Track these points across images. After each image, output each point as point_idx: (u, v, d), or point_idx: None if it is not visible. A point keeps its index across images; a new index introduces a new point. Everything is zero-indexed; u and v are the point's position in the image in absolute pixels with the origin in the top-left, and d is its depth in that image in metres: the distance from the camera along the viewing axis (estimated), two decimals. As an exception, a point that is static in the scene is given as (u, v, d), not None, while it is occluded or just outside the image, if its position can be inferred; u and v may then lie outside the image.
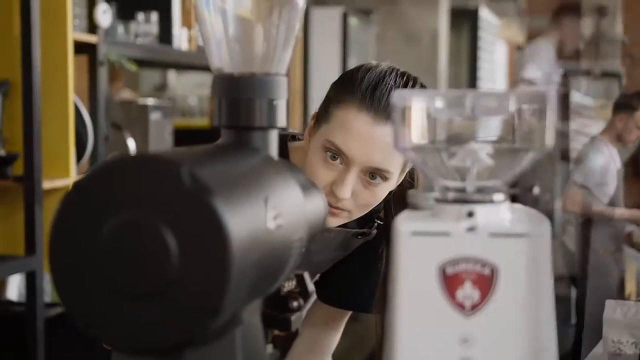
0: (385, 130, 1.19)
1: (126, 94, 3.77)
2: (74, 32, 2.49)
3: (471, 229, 0.66)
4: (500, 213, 0.67)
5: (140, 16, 2.97)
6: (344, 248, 1.39)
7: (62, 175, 2.43)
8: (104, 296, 0.60)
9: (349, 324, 1.53)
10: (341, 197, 1.21)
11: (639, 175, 4.53)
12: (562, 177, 5.56)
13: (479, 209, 0.66)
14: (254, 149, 0.75)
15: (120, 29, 2.88)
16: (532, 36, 9.66)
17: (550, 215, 5.25)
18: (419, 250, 0.66)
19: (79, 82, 2.59)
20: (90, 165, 2.61)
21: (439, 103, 0.68)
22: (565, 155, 4.59)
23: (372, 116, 1.19)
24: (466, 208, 0.67)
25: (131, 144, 2.85)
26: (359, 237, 1.37)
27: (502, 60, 8.67)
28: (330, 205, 1.22)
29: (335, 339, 1.50)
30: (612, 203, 4.03)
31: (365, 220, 1.35)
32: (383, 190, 1.25)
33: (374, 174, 1.22)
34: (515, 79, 4.36)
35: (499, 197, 0.68)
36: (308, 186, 0.81)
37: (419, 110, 0.68)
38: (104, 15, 2.57)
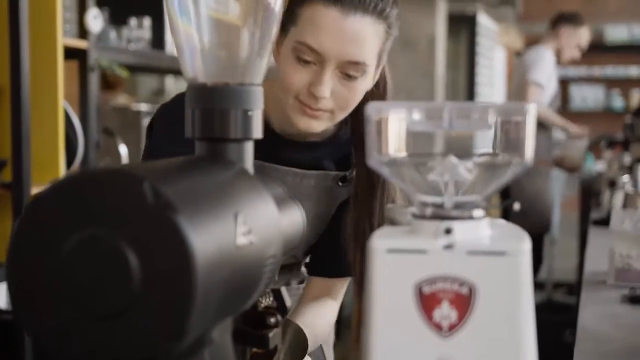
0: (355, 21, 1.17)
1: (123, 99, 3.74)
2: (65, 38, 2.46)
3: (449, 247, 0.63)
4: (479, 229, 0.65)
5: (133, 21, 2.95)
6: (327, 202, 1.36)
7: (52, 181, 2.41)
8: (64, 315, 0.57)
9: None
10: (320, 96, 1.19)
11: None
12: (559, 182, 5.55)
13: (457, 226, 0.64)
14: (228, 162, 0.72)
15: (113, 34, 2.85)
16: (530, 42, 9.66)
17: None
18: (394, 269, 0.64)
19: (69, 88, 2.56)
20: (80, 171, 2.58)
21: (416, 115, 0.66)
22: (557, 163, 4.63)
23: (340, 9, 1.17)
24: (444, 224, 0.64)
25: (123, 150, 2.83)
26: (340, 183, 1.34)
27: (500, 65, 8.66)
28: (310, 107, 1.21)
29: (335, 309, 1.44)
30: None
31: (343, 165, 1.34)
32: (361, 85, 1.23)
33: (350, 70, 1.20)
34: (518, 81, 4.35)
35: (478, 212, 0.66)
36: (284, 199, 0.79)
37: (395, 122, 0.66)
38: (95, 20, 2.55)
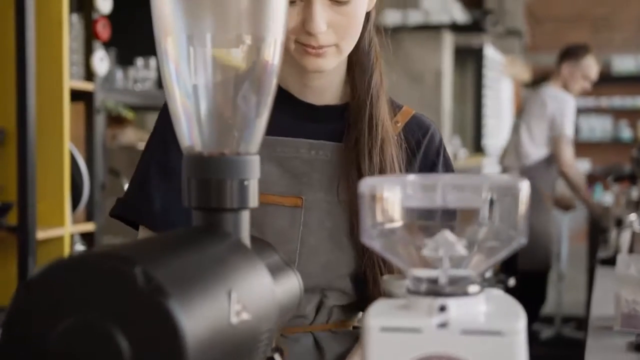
0: None
1: (130, 135, 3.75)
2: (71, 80, 2.48)
3: (443, 325, 0.63)
4: (474, 306, 0.65)
5: (140, 62, 2.97)
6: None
7: (57, 224, 2.41)
8: (56, 400, 0.57)
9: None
10: (316, 32, 1.12)
11: None
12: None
13: (451, 303, 0.64)
14: (224, 233, 0.72)
15: (119, 74, 2.87)
16: (537, 73, 9.70)
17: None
18: (389, 347, 0.63)
19: (76, 129, 2.58)
20: (86, 213, 2.59)
21: (409, 191, 0.65)
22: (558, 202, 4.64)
23: None
24: (438, 302, 0.64)
25: (129, 190, 2.82)
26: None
27: (507, 97, 8.67)
28: (313, 47, 1.15)
29: None
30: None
31: None
32: (358, 8, 1.16)
33: None
34: (548, 133, 4.25)
35: (473, 288, 0.65)
36: (280, 267, 0.79)
37: (388, 198, 0.65)
38: (101, 62, 2.57)
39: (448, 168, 1.30)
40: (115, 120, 3.54)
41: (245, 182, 0.74)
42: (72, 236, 2.56)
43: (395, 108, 1.29)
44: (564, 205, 4.72)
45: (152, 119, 5.15)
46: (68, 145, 2.43)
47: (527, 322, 0.64)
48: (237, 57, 0.76)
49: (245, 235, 0.74)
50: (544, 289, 4.41)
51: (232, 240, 0.72)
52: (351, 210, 1.20)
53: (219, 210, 0.73)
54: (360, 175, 1.19)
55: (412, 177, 0.67)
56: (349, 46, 1.18)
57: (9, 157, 2.34)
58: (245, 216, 0.75)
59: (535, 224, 4.03)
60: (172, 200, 1.19)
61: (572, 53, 4.38)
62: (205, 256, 0.66)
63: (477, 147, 7.05)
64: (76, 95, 2.53)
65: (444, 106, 5.47)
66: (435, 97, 5.42)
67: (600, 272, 2.72)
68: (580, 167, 9.98)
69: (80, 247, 2.76)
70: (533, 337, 5.03)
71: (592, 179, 9.86)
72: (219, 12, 0.74)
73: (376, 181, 0.66)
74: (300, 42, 1.15)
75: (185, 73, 0.74)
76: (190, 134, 0.75)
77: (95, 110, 2.57)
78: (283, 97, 1.25)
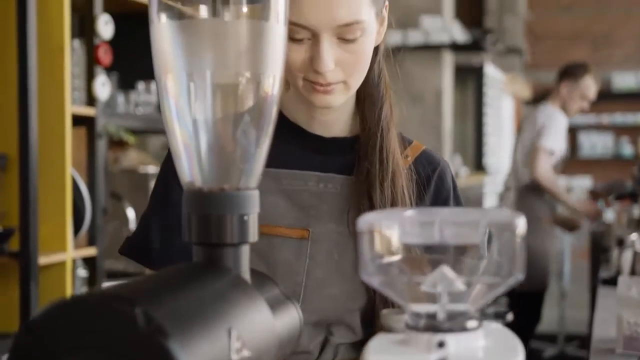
0: None
1: (133, 157, 3.77)
2: (73, 105, 2.49)
3: (442, 361, 0.63)
4: (473, 341, 0.65)
5: (141, 85, 2.98)
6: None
7: (59, 249, 2.42)
8: None
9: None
10: (324, 71, 1.11)
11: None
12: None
13: (450, 339, 0.64)
14: (224, 269, 0.73)
15: (121, 98, 2.89)
16: (537, 90, 9.73)
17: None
18: (388, 383, 0.64)
19: (77, 154, 2.59)
20: (88, 237, 2.60)
21: (407, 227, 0.66)
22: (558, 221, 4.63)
23: None
24: (437, 338, 0.64)
25: (130, 214, 2.84)
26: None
27: (508, 114, 8.69)
28: (320, 84, 1.14)
29: None
30: (555, 169, 4.29)
31: None
32: (366, 45, 1.15)
33: (346, 34, 1.12)
34: (529, 142, 4.30)
35: (472, 324, 0.66)
36: (280, 300, 0.79)
37: (386, 234, 0.66)
38: (103, 87, 2.58)
39: (459, 206, 1.29)
40: (118, 143, 3.55)
41: (245, 217, 0.75)
42: (74, 261, 2.57)
43: (405, 142, 1.28)
44: (569, 226, 4.71)
45: (153, 141, 5.17)
46: (70, 171, 2.44)
47: (523, 341, 0.65)
48: (237, 92, 0.77)
49: (245, 270, 0.75)
50: (539, 308, 4.39)
51: (232, 276, 0.72)
52: None
53: (219, 245, 0.74)
54: (372, 207, 1.18)
55: (409, 213, 0.68)
56: (357, 82, 1.17)
57: (11, 182, 2.35)
58: (245, 251, 0.75)
59: (531, 244, 4.04)
60: (171, 239, 1.20)
61: (571, 72, 4.39)
62: (205, 293, 0.67)
63: (478, 165, 7.06)
64: (78, 120, 2.54)
65: (444, 125, 5.49)
66: (435, 116, 5.44)
67: (602, 292, 2.72)
68: (582, 183, 10.00)
69: (82, 272, 2.77)
70: (536, 356, 5.02)
71: (594, 195, 9.88)
72: (218, 50, 0.75)
73: (374, 217, 0.67)
74: (308, 80, 1.14)
75: (185, 109, 0.75)
76: (190, 169, 0.76)
77: (97, 135, 2.58)
78: (292, 130, 1.25)
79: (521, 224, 0.64)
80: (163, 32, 0.75)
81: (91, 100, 2.59)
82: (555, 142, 4.21)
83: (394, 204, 1.19)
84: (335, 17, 1.10)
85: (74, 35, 2.61)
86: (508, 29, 9.71)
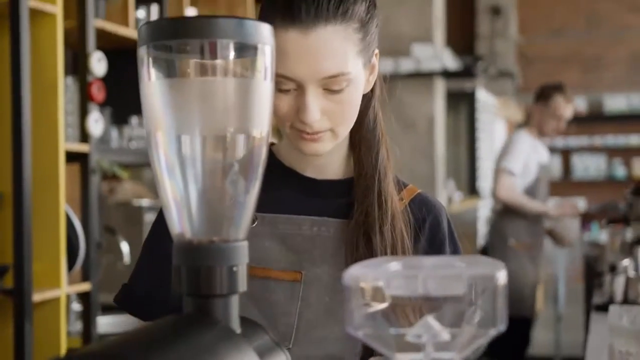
0: (318, 36, 1.10)
1: (128, 188, 3.78)
2: (67, 142, 2.51)
3: (427, 413, 0.65)
4: (457, 391, 0.67)
5: (134, 120, 3.01)
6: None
7: (53, 286, 2.43)
8: None
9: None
10: (310, 122, 1.12)
11: None
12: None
13: (435, 388, 0.66)
14: (213, 320, 0.74)
15: (114, 133, 2.91)
16: (529, 113, 9.78)
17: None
18: None
19: (71, 190, 2.60)
20: (82, 272, 2.60)
21: (392, 280, 0.68)
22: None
23: (298, 28, 1.11)
24: (422, 387, 0.66)
25: (125, 248, 2.85)
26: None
27: (501, 138, 8.73)
28: (307, 133, 1.15)
29: None
30: (529, 195, 4.27)
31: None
32: (352, 94, 1.16)
33: (332, 85, 1.12)
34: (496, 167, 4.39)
35: (456, 373, 0.67)
36: (270, 348, 0.80)
37: (371, 287, 0.68)
38: (96, 124, 2.60)
39: (456, 250, 1.30)
40: (113, 174, 3.57)
41: (235, 268, 0.76)
42: (68, 296, 2.57)
43: (400, 185, 1.29)
44: (557, 240, 4.71)
45: (148, 173, 5.19)
46: (64, 207, 2.45)
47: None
48: (225, 147, 0.78)
49: (235, 320, 0.77)
50: (527, 333, 4.37)
51: (222, 327, 0.74)
52: None
53: (209, 296, 0.75)
54: (370, 250, 1.19)
55: (394, 266, 0.70)
56: (344, 130, 1.18)
57: (5, 220, 2.36)
58: (234, 301, 0.77)
59: (511, 271, 4.03)
60: (160, 292, 1.21)
61: (541, 94, 4.40)
62: (194, 347, 0.68)
63: (472, 189, 7.09)
64: (71, 156, 2.56)
65: (437, 151, 5.52)
66: (428, 142, 5.47)
67: (595, 318, 2.72)
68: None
69: (76, 306, 2.77)
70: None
71: (588, 217, 9.90)
72: (207, 107, 0.78)
73: (360, 271, 0.69)
74: (296, 128, 1.16)
75: (175, 164, 0.77)
76: (180, 221, 0.78)
77: (90, 171, 2.59)
78: (287, 174, 1.27)
79: (502, 276, 0.66)
80: (153, 90, 0.77)
81: (84, 136, 2.61)
82: (515, 163, 4.22)
83: (393, 247, 1.20)
84: (320, 70, 1.11)
85: (67, 72, 2.63)
86: (500, 53, 9.78)
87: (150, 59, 0.76)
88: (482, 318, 0.68)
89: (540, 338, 5.52)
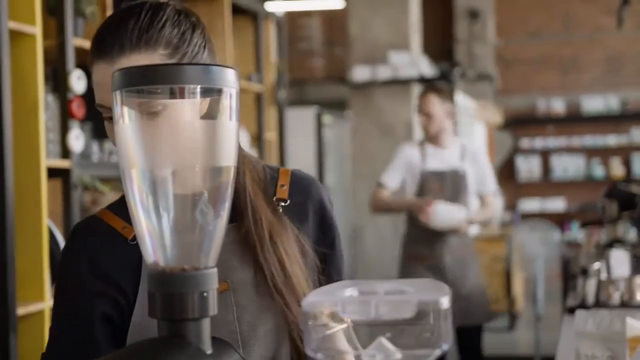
0: (123, 63, 1.14)
1: (110, 199, 3.81)
2: (48, 158, 2.56)
3: None
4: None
5: (114, 134, 3.05)
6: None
7: (37, 299, 2.48)
8: None
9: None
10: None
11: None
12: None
13: (387, 404, 0.72)
14: (186, 343, 0.81)
15: (95, 147, 2.96)
16: (508, 115, 9.89)
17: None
18: None
19: (53, 205, 2.65)
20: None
21: (347, 306, 0.74)
22: None
23: (105, 59, 1.16)
24: (375, 404, 0.72)
25: (107, 260, 2.89)
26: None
27: (480, 141, 8.82)
28: None
29: None
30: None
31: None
32: (175, 118, 1.09)
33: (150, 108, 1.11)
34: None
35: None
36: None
37: (328, 313, 0.74)
38: (77, 140, 2.66)
39: (332, 225, 1.34)
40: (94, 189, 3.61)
41: (205, 294, 0.83)
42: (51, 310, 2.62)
43: (273, 172, 1.33)
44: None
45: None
46: (46, 222, 2.50)
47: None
48: (195, 181, 0.85)
49: (207, 341, 0.83)
50: (478, 345, 4.21)
51: (193, 348, 0.80)
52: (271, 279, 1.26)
53: (181, 320, 0.82)
54: (264, 263, 1.24)
55: (348, 293, 0.76)
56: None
57: (-11, 235, 2.40)
58: (206, 324, 0.84)
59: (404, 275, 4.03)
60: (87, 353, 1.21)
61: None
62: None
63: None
64: (53, 172, 2.61)
65: (416, 157, 5.59)
66: (407, 148, 5.53)
67: (566, 321, 2.76)
68: (555, 205, 10.12)
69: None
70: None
71: (567, 216, 10.02)
72: (177, 147, 0.85)
73: (316, 299, 0.75)
74: None
75: (148, 198, 0.84)
76: (153, 251, 0.84)
77: (72, 186, 2.64)
78: None
79: (445, 302, 0.73)
80: (127, 131, 0.84)
81: (66, 152, 2.66)
82: (389, 176, 4.09)
83: (281, 263, 1.25)
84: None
85: (47, 90, 2.68)
86: (478, 56, 9.89)
87: (124, 103, 0.82)
88: (429, 338, 0.74)
89: (520, 338, 5.59)
